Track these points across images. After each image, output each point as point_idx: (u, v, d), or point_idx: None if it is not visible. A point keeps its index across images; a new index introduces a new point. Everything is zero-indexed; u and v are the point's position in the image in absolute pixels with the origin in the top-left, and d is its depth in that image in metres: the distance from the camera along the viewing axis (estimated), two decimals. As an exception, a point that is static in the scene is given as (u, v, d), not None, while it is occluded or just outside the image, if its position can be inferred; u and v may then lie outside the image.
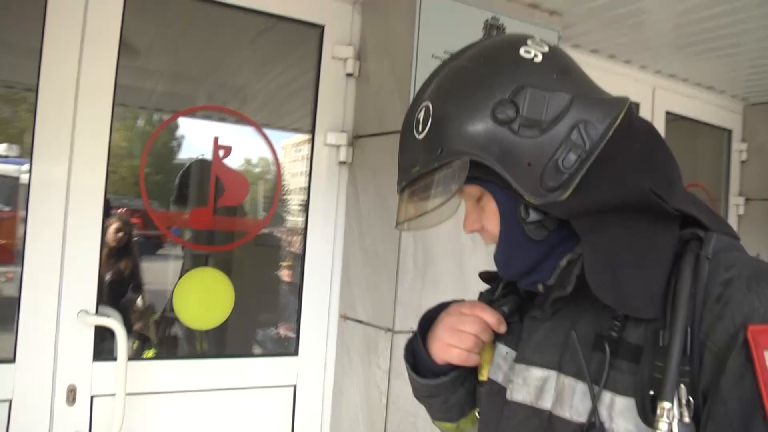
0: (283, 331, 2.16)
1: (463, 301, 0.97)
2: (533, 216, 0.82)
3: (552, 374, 0.83)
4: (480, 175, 0.80)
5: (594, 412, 0.75)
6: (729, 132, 3.27)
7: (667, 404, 0.68)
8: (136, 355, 1.94)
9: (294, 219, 2.16)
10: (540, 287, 0.86)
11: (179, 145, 1.94)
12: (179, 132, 1.94)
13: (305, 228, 2.11)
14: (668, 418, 0.68)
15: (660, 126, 2.93)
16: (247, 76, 2.11)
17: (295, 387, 2.09)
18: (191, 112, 1.95)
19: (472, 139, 0.80)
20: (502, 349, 0.93)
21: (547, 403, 0.82)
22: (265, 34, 2.09)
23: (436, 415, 1.04)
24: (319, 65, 2.10)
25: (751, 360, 0.65)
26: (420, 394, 1.02)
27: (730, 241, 0.77)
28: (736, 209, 3.27)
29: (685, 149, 3.07)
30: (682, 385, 0.69)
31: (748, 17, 2.17)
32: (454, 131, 0.81)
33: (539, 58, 0.82)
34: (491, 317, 0.91)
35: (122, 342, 1.72)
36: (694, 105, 3.10)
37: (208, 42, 2.07)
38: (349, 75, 2.13)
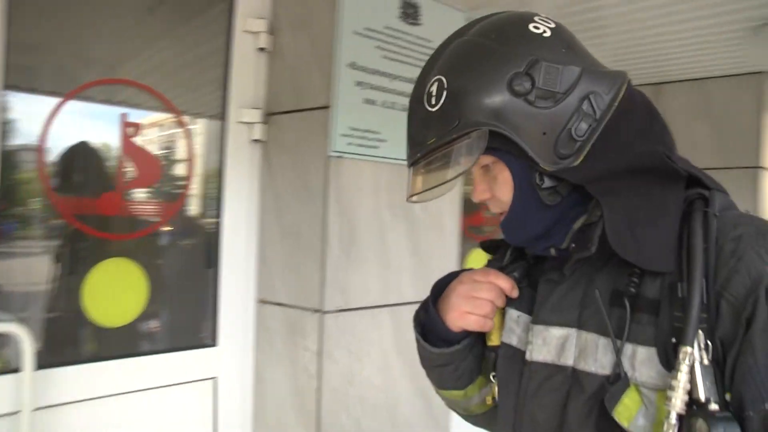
0: (198, 320, 2.03)
1: (473, 269, 1.00)
2: (548, 183, 0.86)
3: (572, 332, 0.87)
4: (495, 145, 0.83)
5: (618, 363, 0.80)
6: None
7: (688, 349, 0.74)
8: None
9: (208, 201, 2.03)
10: (553, 251, 0.90)
11: (83, 127, 1.73)
12: (82, 112, 1.72)
13: (219, 210, 2.00)
14: (689, 361, 0.74)
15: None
16: (151, 52, 1.94)
17: (215, 379, 1.98)
18: (93, 86, 1.75)
19: (489, 111, 0.82)
20: (513, 313, 0.96)
21: (569, 360, 0.87)
22: (168, 5, 1.93)
23: (445, 384, 1.05)
24: (230, 40, 1.99)
25: None
26: (432, 364, 1.02)
27: (729, 200, 0.86)
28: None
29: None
30: (700, 331, 0.75)
31: (611, 14, 2.40)
32: (471, 103, 0.83)
33: (548, 33, 0.86)
34: (505, 283, 0.94)
35: (28, 349, 1.51)
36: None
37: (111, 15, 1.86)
38: (261, 50, 2.03)
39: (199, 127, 2.03)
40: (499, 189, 0.89)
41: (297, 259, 1.95)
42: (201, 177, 2.02)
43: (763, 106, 3.24)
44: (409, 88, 1.99)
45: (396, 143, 2.05)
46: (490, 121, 0.82)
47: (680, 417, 0.74)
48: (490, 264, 1.05)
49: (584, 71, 0.84)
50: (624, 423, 0.79)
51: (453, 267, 2.31)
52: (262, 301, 2.04)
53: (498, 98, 0.82)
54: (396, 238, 2.09)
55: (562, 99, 0.83)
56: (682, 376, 0.74)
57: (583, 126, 0.83)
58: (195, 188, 2.00)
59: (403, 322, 2.12)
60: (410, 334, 2.10)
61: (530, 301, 0.93)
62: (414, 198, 0.95)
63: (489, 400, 1.02)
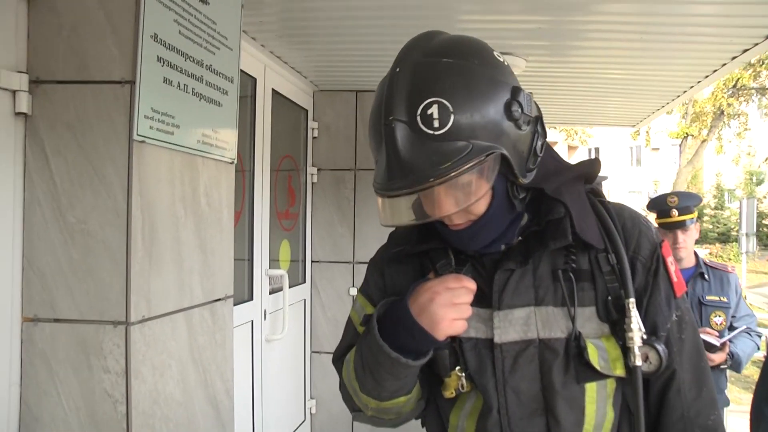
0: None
1: (429, 279, 1.07)
2: (521, 193, 1.03)
3: (532, 309, 1.05)
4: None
5: (573, 324, 1.03)
6: (306, 111, 3.79)
7: (631, 300, 1.02)
8: None
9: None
10: (503, 247, 1.07)
11: None
12: None
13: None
14: (632, 306, 1.02)
15: (267, 102, 3.18)
16: None
17: (-35, 429, 1.48)
18: None
19: (495, 134, 0.93)
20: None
21: (533, 333, 1.04)
22: None
23: (395, 394, 1.09)
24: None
25: (666, 265, 1.07)
26: (398, 378, 1.05)
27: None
28: (311, 177, 3.85)
29: (281, 124, 3.42)
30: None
31: (323, 15, 2.63)
32: (482, 127, 0.92)
33: (506, 63, 1.01)
34: (473, 284, 1.04)
35: None
36: (288, 86, 3.48)
37: None
38: (23, -2, 1.58)
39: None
40: (477, 203, 0.98)
41: (88, 263, 1.60)
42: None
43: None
44: (198, 70, 1.85)
45: (187, 130, 1.85)
46: (494, 143, 0.92)
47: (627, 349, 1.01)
48: (441, 269, 1.10)
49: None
50: (596, 366, 1.01)
51: (230, 264, 2.20)
52: (32, 320, 1.60)
53: (500, 122, 0.93)
54: (187, 235, 1.90)
55: (533, 122, 0.99)
56: (634, 319, 1.01)
57: (540, 143, 1.01)
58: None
59: (194, 326, 1.93)
60: (202, 339, 1.96)
61: (479, 296, 1.04)
62: (405, 222, 1.00)
63: (451, 393, 1.09)
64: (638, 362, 1.01)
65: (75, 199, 1.61)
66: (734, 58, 2.98)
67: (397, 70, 0.95)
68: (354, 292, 3.82)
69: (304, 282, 3.84)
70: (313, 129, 3.85)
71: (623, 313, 1.02)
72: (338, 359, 1.26)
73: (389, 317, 1.05)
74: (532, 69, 3.28)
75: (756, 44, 2.75)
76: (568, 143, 23.22)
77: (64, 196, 1.61)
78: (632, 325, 1.01)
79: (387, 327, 1.03)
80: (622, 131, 15.70)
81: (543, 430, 1.04)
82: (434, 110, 0.90)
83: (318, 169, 3.87)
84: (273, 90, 3.25)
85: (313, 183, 3.86)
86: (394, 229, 1.21)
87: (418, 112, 0.90)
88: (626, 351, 1.01)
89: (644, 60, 3.09)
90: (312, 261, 3.91)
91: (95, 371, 1.59)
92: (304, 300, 3.85)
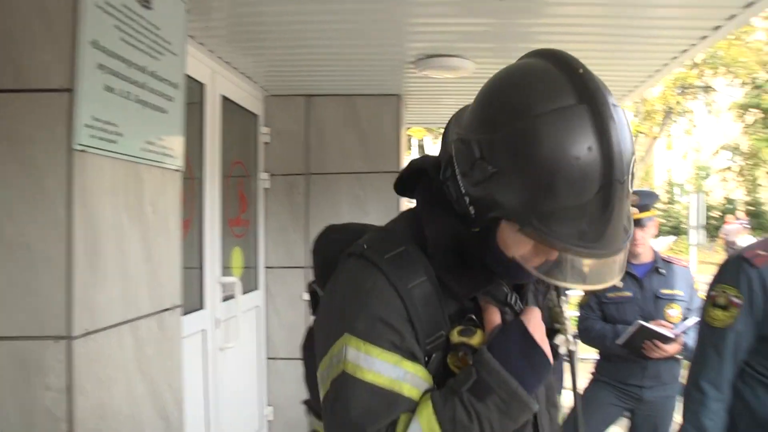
0: None
1: (527, 312, 1.03)
2: None
3: None
4: None
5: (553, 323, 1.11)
6: (257, 117, 3.77)
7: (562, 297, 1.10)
8: None
9: None
10: None
11: None
12: None
13: None
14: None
15: (216, 108, 3.15)
16: None
17: None
18: None
19: None
20: None
21: None
22: None
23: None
24: None
25: None
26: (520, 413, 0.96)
27: None
28: (263, 183, 3.82)
29: (232, 130, 3.38)
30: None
31: (272, 21, 2.63)
32: None
33: None
34: None
35: None
36: (238, 91, 3.45)
37: None
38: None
39: None
40: None
41: (27, 278, 1.55)
42: None
43: (401, 122, 3.96)
44: (141, 76, 1.82)
45: (130, 138, 1.82)
46: None
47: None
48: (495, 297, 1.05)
49: None
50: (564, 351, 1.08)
51: (178, 273, 2.16)
52: (-38, 338, 1.54)
53: None
54: (133, 245, 1.86)
55: None
56: (565, 307, 1.09)
57: None
58: None
59: (141, 338, 1.90)
60: (149, 350, 1.93)
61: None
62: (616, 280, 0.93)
63: None
64: (573, 347, 1.07)
65: (13, 212, 1.56)
66: (674, 58, 3.10)
67: (612, 107, 0.85)
68: (308, 297, 3.77)
69: (258, 288, 3.81)
70: (264, 134, 3.82)
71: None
72: None
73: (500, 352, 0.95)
74: (481, 71, 3.33)
75: (693, 45, 2.87)
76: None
77: (1, 210, 1.56)
78: (566, 313, 1.08)
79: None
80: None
81: (548, 421, 1.10)
82: (632, 167, 0.88)
83: (270, 175, 3.84)
84: (222, 96, 3.21)
85: (265, 189, 3.83)
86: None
87: (631, 169, 0.87)
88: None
89: (589, 61, 3.16)
90: (265, 267, 3.88)
91: (35, 389, 1.54)
92: (258, 307, 3.81)
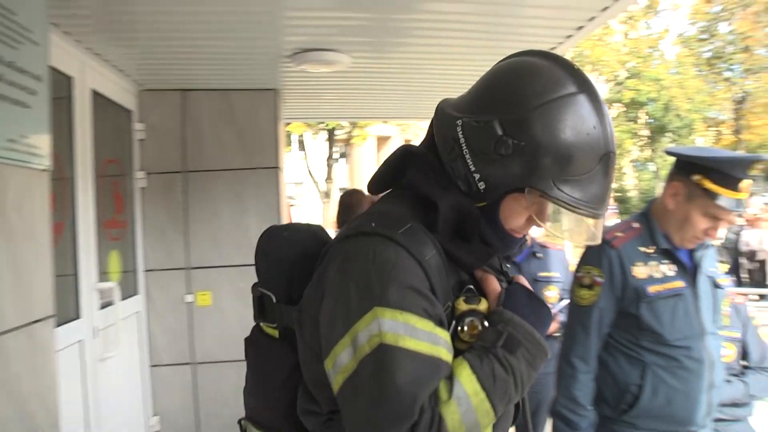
0: None
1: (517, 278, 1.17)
2: None
3: None
4: None
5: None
6: (130, 112, 3.56)
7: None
8: None
9: None
10: None
11: None
12: None
13: None
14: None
15: (86, 103, 2.94)
16: None
17: None
18: None
19: None
20: None
21: None
22: None
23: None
24: None
25: None
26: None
27: None
28: (139, 182, 3.62)
29: (104, 127, 3.17)
30: None
31: (144, 10, 2.52)
32: None
33: None
34: None
35: None
36: (110, 85, 3.24)
37: None
38: None
39: None
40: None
41: None
42: None
43: (278, 117, 3.89)
44: None
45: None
46: None
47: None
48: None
49: None
50: None
51: (50, 281, 2.00)
52: None
53: None
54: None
55: None
56: None
57: None
58: None
59: (8, 354, 1.74)
60: (18, 366, 1.79)
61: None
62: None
63: None
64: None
65: None
66: (552, 48, 3.29)
67: (599, 99, 1.04)
68: (190, 299, 3.68)
69: (138, 293, 3.61)
70: (139, 131, 3.62)
71: None
72: (415, 410, 0.94)
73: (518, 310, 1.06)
74: (358, 65, 3.37)
75: (560, 43, 3.07)
76: (404, 137, 24.21)
77: None
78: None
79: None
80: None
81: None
82: None
83: (147, 173, 3.65)
84: (93, 90, 3.00)
85: (142, 188, 3.64)
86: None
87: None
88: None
89: (464, 56, 3.31)
90: (145, 270, 3.68)
91: None
92: (139, 312, 3.62)
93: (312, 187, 22.03)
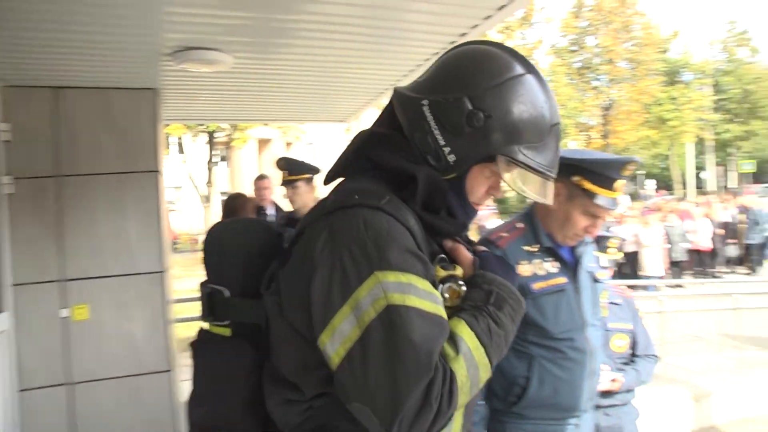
0: None
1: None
2: None
3: None
4: None
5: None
6: (-8, 112, 3.23)
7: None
8: None
9: None
10: None
11: None
12: None
13: None
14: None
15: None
16: None
17: None
18: None
19: None
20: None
21: None
22: None
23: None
24: None
25: None
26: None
27: None
28: (6, 188, 3.29)
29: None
30: None
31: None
32: None
33: None
34: None
35: None
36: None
37: None
38: None
39: None
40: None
41: None
42: None
43: (158, 118, 3.69)
44: None
45: None
46: None
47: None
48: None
49: None
50: None
51: None
52: None
53: None
54: None
55: None
56: None
57: None
58: None
59: None
60: None
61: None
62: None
63: None
64: None
65: None
66: (435, 53, 3.38)
67: (543, 79, 1.18)
68: (65, 313, 3.39)
69: (5, 310, 3.28)
70: (4, 132, 3.30)
71: None
72: (432, 366, 0.97)
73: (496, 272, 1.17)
74: (241, 65, 3.28)
75: (443, 48, 3.16)
76: (285, 140, 23.94)
77: None
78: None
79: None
80: (335, 127, 16.62)
81: None
82: None
83: (14, 178, 3.33)
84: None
85: (8, 194, 3.31)
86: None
87: None
88: None
89: (348, 59, 3.32)
90: (13, 285, 3.35)
91: None
92: (6, 331, 3.29)
93: (192, 192, 21.29)
